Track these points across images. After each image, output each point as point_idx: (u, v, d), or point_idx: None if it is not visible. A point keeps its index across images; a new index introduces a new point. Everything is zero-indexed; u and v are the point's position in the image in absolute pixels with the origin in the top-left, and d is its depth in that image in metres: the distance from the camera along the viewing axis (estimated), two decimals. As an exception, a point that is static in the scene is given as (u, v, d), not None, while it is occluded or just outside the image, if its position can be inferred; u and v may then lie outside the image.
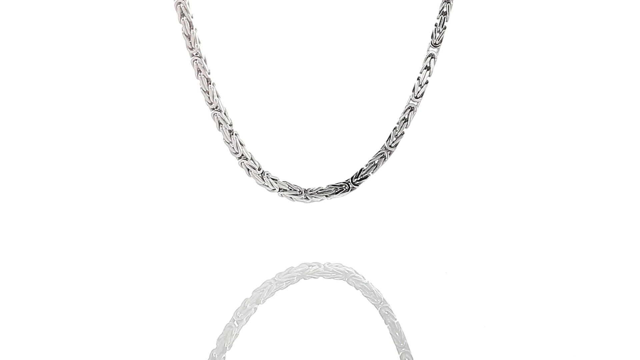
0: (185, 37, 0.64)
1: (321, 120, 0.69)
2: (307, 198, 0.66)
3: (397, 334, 0.57)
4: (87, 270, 0.65)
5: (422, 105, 0.67)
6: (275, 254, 0.68)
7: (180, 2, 0.63)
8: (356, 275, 0.64)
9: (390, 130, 0.67)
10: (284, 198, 0.67)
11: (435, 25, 0.65)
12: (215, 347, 0.55)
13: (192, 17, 0.64)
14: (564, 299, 0.62)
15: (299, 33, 0.69)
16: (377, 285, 0.63)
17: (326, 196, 0.67)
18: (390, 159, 0.67)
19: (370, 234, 0.70)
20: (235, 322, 0.58)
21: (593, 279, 0.65)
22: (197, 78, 0.64)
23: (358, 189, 0.67)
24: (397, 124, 0.66)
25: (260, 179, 0.66)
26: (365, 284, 0.63)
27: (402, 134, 0.66)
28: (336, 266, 0.65)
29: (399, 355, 0.55)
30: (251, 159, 0.66)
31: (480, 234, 0.70)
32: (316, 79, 0.69)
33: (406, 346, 0.56)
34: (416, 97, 0.66)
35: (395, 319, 0.58)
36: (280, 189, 0.66)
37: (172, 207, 0.72)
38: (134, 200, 0.72)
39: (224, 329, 0.57)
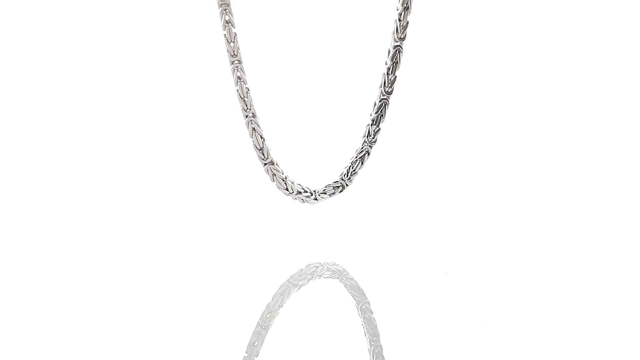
0: (227, 43, 0.63)
1: (297, 120, 0.71)
2: (316, 199, 0.67)
3: (370, 328, 0.58)
4: (97, 275, 0.65)
5: (410, 105, 0.70)
6: (278, 256, 0.68)
7: (226, 9, 0.62)
8: (347, 274, 0.65)
9: (358, 127, 0.69)
10: (296, 200, 0.67)
11: (399, 20, 0.67)
12: (246, 355, 0.55)
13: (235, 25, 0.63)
14: (560, 297, 0.62)
15: (268, 34, 0.71)
16: (367, 283, 0.64)
17: (329, 195, 0.68)
18: (379, 156, 0.69)
19: (365, 233, 0.71)
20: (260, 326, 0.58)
21: (591, 277, 0.65)
22: (236, 85, 0.63)
23: (350, 186, 0.69)
24: (373, 120, 0.68)
25: (283, 183, 0.66)
26: (354, 282, 0.64)
27: (379, 129, 0.68)
28: (333, 265, 0.66)
29: (371, 350, 0.56)
30: (276, 164, 0.66)
31: (476, 232, 0.71)
32: (287, 77, 0.71)
33: (378, 340, 0.57)
34: (387, 93, 0.68)
35: (372, 314, 0.60)
36: (297, 192, 0.67)
37: (170, 212, 0.73)
38: (131, 202, 0.74)
39: (252, 335, 0.57)
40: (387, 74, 0.67)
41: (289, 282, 0.64)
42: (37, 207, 0.74)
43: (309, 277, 0.65)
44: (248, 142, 0.67)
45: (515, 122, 0.77)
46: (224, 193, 0.74)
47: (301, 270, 0.65)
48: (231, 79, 0.64)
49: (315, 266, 0.66)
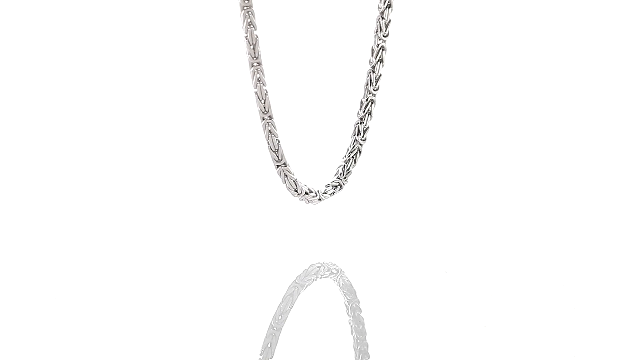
0: (248, 45, 0.61)
1: (286, 120, 0.68)
2: (320, 199, 0.67)
3: (357, 327, 0.59)
4: (102, 275, 0.65)
5: (406, 103, 0.69)
6: (280, 256, 0.68)
7: (248, 11, 0.60)
8: (344, 273, 0.66)
9: (347, 126, 0.68)
10: (302, 201, 0.67)
11: (382, 18, 0.67)
12: (261, 357, 0.56)
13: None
14: (560, 297, 0.62)
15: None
16: (366, 282, 0.64)
17: (330, 195, 0.68)
18: (377, 156, 0.70)
19: (365, 232, 0.71)
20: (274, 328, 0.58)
21: (591, 276, 0.65)
22: (255, 87, 0.62)
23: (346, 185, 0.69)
24: (361, 118, 0.67)
25: (294, 185, 0.65)
26: (348, 281, 0.64)
27: (368, 127, 0.68)
28: (331, 265, 0.66)
29: (357, 348, 0.57)
30: (289, 165, 0.65)
31: (476, 232, 0.71)
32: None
33: (364, 339, 0.58)
34: (374, 90, 0.67)
35: (361, 312, 0.60)
36: (305, 193, 0.66)
37: (167, 217, 0.73)
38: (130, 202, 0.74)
39: (265, 337, 0.57)
40: (372, 72, 0.67)
41: (296, 282, 0.64)
42: (57, 209, 0.74)
43: (313, 277, 0.65)
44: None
45: (509, 115, 0.77)
46: (220, 193, 0.74)
47: (305, 270, 0.65)
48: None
49: (317, 266, 0.66)
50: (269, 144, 0.63)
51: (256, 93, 0.62)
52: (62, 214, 0.73)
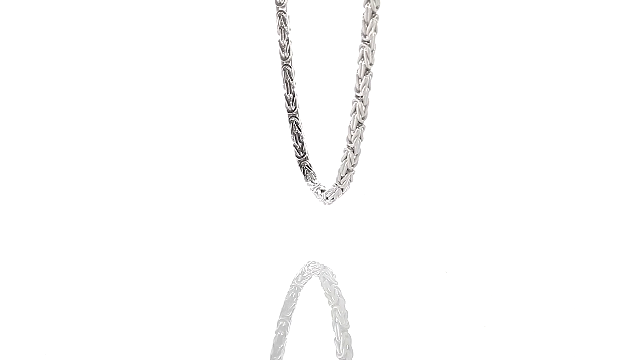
0: (370, 50, 0.60)
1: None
2: (333, 199, 0.68)
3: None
4: (105, 272, 0.66)
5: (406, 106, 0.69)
6: (288, 257, 0.69)
7: (377, 16, 0.59)
8: (326, 273, 0.68)
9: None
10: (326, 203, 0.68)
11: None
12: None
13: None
14: (560, 297, 0.62)
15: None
16: (366, 282, 0.66)
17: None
18: (378, 158, 0.70)
19: (362, 232, 0.72)
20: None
21: (590, 276, 0.65)
22: (363, 92, 0.61)
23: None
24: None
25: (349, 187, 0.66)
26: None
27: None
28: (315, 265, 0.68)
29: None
30: None
31: (476, 233, 0.71)
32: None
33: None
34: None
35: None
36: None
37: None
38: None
39: (343, 341, 0.59)
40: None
41: (331, 283, 0.65)
42: (80, 208, 0.75)
43: (334, 281, 0.66)
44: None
45: (509, 115, 0.77)
46: (218, 194, 0.75)
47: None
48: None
49: (308, 265, 0.67)
50: (354, 148, 0.62)
51: (362, 97, 0.60)
52: (86, 216, 0.73)
